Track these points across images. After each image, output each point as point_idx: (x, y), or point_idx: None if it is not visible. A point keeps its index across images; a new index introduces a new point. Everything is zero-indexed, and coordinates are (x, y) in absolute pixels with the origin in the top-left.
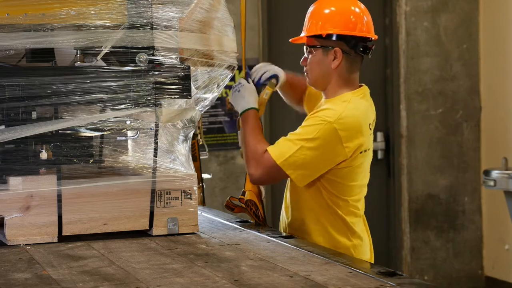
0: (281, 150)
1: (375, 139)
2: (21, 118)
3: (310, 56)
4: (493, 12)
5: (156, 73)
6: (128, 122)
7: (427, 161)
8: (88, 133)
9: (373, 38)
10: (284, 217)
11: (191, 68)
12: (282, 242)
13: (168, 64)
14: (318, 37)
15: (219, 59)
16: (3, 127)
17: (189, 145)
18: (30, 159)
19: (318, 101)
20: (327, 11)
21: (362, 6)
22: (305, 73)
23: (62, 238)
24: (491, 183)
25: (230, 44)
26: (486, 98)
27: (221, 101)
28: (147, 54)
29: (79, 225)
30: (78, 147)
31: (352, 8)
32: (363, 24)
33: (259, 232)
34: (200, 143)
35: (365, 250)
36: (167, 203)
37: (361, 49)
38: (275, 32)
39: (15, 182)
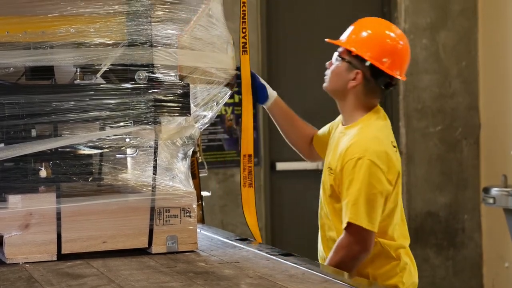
0: (359, 214)
1: None
2: (20, 136)
3: (336, 63)
4: (492, 29)
5: (156, 90)
6: (127, 140)
7: (426, 179)
8: (87, 151)
9: (400, 79)
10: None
11: (191, 85)
12: (281, 260)
13: (167, 82)
14: (350, 52)
15: (218, 76)
16: (2, 145)
17: (189, 162)
18: (29, 177)
19: (328, 136)
20: (369, 32)
21: (407, 45)
22: (325, 76)
23: (61, 256)
24: (491, 200)
25: (229, 61)
26: (485, 115)
27: (220, 119)
28: (147, 72)
29: (78, 243)
30: (77, 165)
31: (400, 43)
32: (397, 62)
33: (258, 250)
34: (200, 160)
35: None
36: (166, 221)
37: (383, 83)
38: (274, 49)
39: (14, 200)
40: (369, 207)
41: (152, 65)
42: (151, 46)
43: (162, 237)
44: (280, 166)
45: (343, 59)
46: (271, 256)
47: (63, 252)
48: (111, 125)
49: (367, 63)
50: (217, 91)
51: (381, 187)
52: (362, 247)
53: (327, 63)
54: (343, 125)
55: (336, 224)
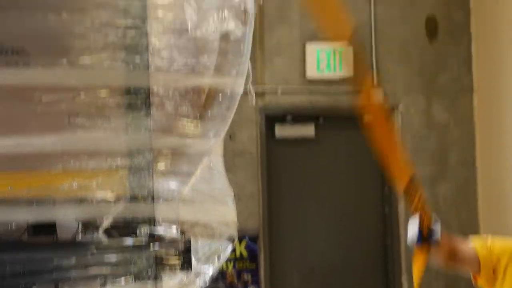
0: None
1: None
2: None
3: None
4: (490, 181)
5: (157, 246)
6: None
7: None
8: None
9: None
10: None
11: (192, 240)
12: None
13: (168, 237)
14: None
15: (219, 230)
16: None
17: None
18: None
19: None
20: None
21: None
22: None
23: None
24: None
25: (230, 214)
26: None
27: (221, 274)
28: (148, 227)
29: None
30: None
31: None
32: None
33: None
34: None
35: None
36: None
37: None
38: (275, 201)
39: None
40: None
41: (154, 220)
42: (153, 200)
43: None
44: None
45: None
46: None
47: None
48: (112, 282)
49: None
50: (218, 245)
51: None
52: None
53: None
54: None
55: None
